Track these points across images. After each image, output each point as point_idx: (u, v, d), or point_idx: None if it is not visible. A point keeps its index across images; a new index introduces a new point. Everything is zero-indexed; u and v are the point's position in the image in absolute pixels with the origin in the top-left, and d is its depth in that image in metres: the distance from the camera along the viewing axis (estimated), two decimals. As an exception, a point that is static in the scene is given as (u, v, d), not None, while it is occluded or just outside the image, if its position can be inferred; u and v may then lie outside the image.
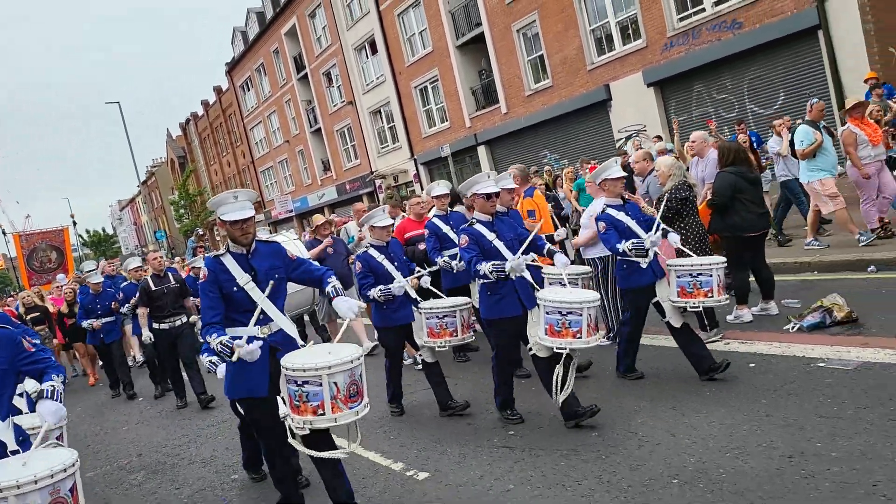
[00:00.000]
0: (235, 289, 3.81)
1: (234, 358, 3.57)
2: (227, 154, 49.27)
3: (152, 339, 8.26)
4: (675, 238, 5.49)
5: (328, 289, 3.93)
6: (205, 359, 5.12)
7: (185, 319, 8.22)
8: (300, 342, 3.79)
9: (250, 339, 3.65)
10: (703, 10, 16.16)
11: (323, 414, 3.44)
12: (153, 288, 8.20)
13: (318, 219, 9.43)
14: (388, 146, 30.30)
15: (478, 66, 24.37)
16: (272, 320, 3.84)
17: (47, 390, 3.30)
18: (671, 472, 3.78)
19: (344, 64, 31.26)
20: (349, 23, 30.08)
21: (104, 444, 7.24)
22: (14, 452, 3.23)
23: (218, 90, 48.21)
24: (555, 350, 4.67)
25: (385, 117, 30.04)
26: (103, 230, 69.59)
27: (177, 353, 8.13)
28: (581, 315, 4.57)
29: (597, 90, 19.21)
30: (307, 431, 3.55)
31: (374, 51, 29.09)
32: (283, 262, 4.02)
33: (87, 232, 65.34)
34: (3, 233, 21.94)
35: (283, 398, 3.64)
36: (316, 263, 4.37)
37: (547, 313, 4.67)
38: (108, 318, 9.76)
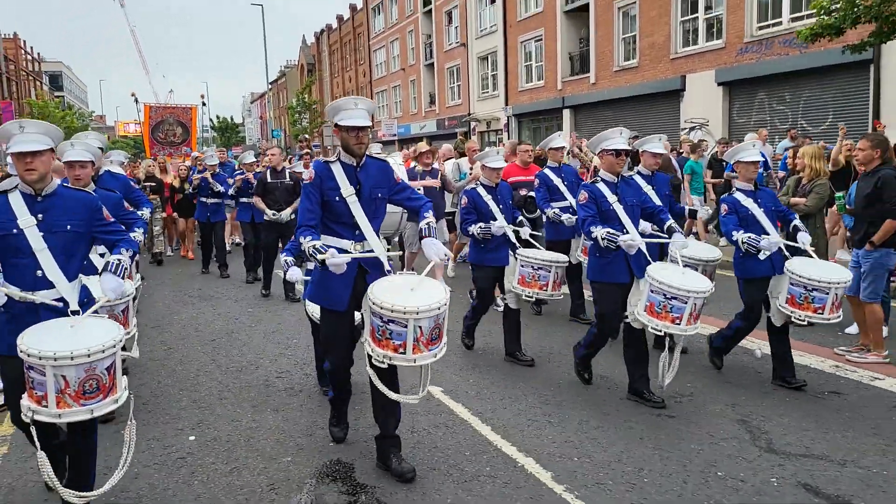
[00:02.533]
0: (337, 198, 3.74)
1: (321, 263, 3.56)
2: (350, 70, 52.35)
3: (275, 215, 8.58)
4: (805, 238, 5.05)
5: (423, 224, 3.78)
6: (282, 257, 5.01)
7: (294, 214, 8.24)
8: (388, 267, 3.71)
9: (341, 252, 3.64)
10: (780, 22, 17.06)
11: (403, 353, 3.41)
12: (269, 180, 8.77)
13: (423, 146, 9.47)
14: (487, 92, 32.19)
15: (579, 34, 25.70)
16: (366, 239, 3.77)
17: (112, 263, 3.33)
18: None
19: (465, 6, 33.04)
20: (477, -32, 31.69)
21: (172, 318, 7.72)
22: (74, 313, 3.23)
23: (353, 7, 50.99)
24: (649, 329, 4.55)
25: (490, 65, 31.84)
26: (231, 118, 75.11)
27: (275, 244, 8.68)
28: (686, 303, 4.41)
29: (674, 79, 20.42)
30: (385, 365, 3.51)
31: (493, 0, 30.71)
32: (388, 182, 3.93)
33: (217, 117, 70.98)
34: (136, 101, 22.03)
35: (363, 323, 3.66)
36: (419, 192, 4.24)
37: (651, 291, 4.50)
38: (216, 200, 10.51)
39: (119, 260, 3.34)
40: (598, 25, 23.85)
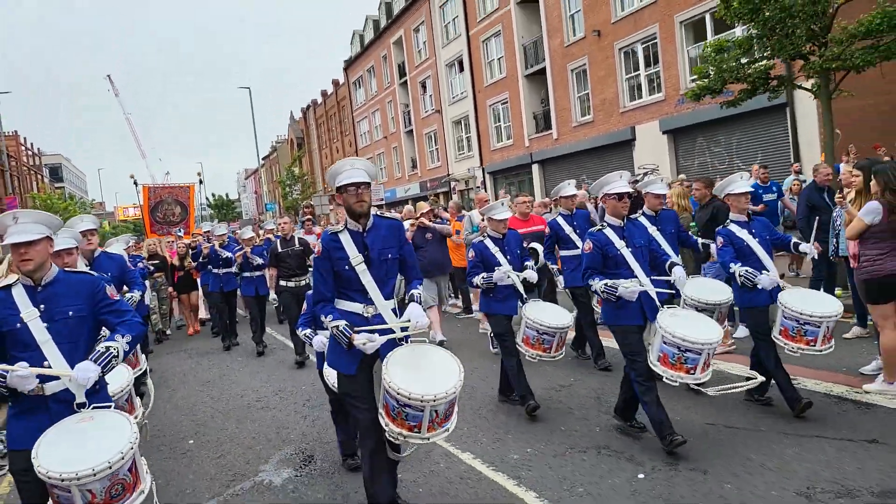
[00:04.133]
0: (347, 267, 3.75)
1: (347, 346, 3.62)
2: (336, 141, 54.83)
3: (276, 301, 8.93)
4: (807, 248, 5.19)
5: (414, 291, 3.89)
6: (300, 332, 5.08)
7: (308, 280, 8.45)
8: (398, 333, 3.71)
9: (374, 319, 3.75)
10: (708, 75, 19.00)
11: (419, 432, 3.45)
12: (280, 250, 8.92)
13: (423, 206, 9.60)
14: (463, 153, 34.24)
15: (540, 95, 27.83)
16: (374, 304, 3.77)
17: (98, 351, 3.26)
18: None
19: (437, 76, 35.44)
20: (444, 41, 34.16)
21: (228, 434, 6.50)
22: (80, 405, 3.21)
23: (335, 83, 53.80)
24: (665, 380, 4.50)
25: (464, 128, 33.99)
26: (226, 195, 77.59)
27: (298, 310, 7.97)
28: (700, 355, 4.39)
29: (625, 130, 22.34)
30: (399, 441, 3.58)
31: (462, 69, 33.06)
32: (399, 241, 3.92)
33: (213, 195, 73.34)
34: (136, 183, 21.89)
35: (379, 388, 3.66)
36: (418, 266, 4.19)
37: (664, 343, 4.47)
38: (228, 271, 10.50)
39: (107, 348, 3.26)
40: (555, 86, 25.96)
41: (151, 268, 11.38)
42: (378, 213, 4.01)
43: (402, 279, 4.07)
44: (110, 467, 2.92)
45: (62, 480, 2.87)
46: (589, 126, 24.39)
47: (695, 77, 12.05)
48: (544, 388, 6.25)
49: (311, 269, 8.70)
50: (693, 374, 4.42)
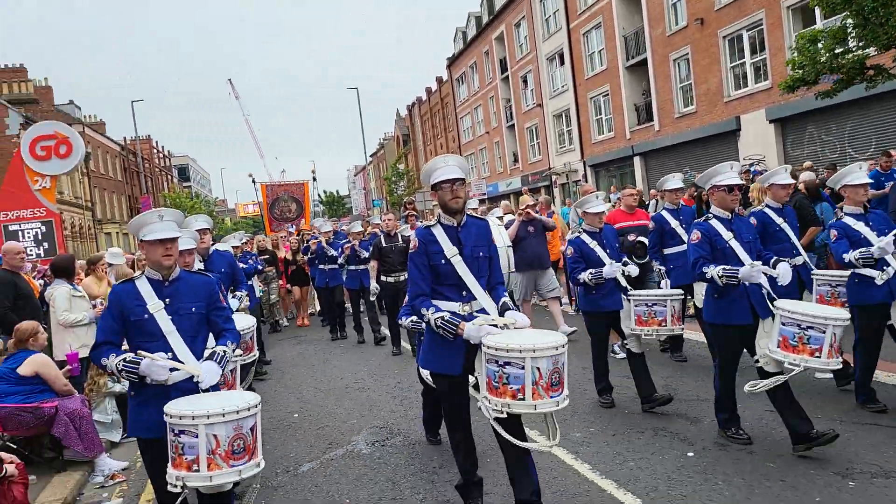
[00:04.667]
0: (443, 261, 3.73)
1: (452, 336, 3.59)
2: (440, 137, 55.93)
3: (378, 291, 9.21)
4: None
5: (504, 299, 3.85)
6: (405, 321, 5.28)
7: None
8: (501, 321, 3.64)
9: (470, 317, 3.67)
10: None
11: (523, 399, 3.34)
12: (384, 244, 9.14)
13: (527, 199, 9.60)
14: (564, 147, 34.20)
15: (641, 87, 27.42)
16: (475, 298, 3.75)
17: (218, 354, 3.46)
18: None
19: (538, 70, 35.55)
20: (545, 35, 34.22)
21: (327, 410, 6.82)
22: (205, 391, 3.39)
23: (439, 80, 54.89)
24: (786, 366, 4.23)
25: (565, 121, 33.95)
26: (337, 192, 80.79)
27: (399, 304, 8.11)
28: (824, 332, 4.09)
29: (729, 120, 21.72)
30: (504, 415, 3.44)
31: (562, 62, 33.02)
32: (488, 241, 3.92)
33: (325, 192, 76.59)
34: (254, 181, 23.29)
35: (478, 378, 3.61)
36: (501, 268, 4.22)
37: (783, 324, 4.21)
38: (332, 266, 10.90)
39: (224, 351, 3.51)
40: (657, 77, 25.53)
41: (262, 264, 11.66)
42: (469, 212, 3.99)
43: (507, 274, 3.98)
44: (237, 412, 3.07)
45: (193, 419, 3.02)
46: (692, 117, 23.85)
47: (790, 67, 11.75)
48: (617, 376, 6.18)
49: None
50: (819, 356, 4.08)
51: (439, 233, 3.80)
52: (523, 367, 3.32)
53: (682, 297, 5.71)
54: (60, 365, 5.90)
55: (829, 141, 18.55)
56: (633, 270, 5.87)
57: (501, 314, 3.72)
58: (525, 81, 37.86)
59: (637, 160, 27.71)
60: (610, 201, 13.60)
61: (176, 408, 3.12)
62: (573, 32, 31.17)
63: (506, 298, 3.87)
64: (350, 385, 7.75)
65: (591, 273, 5.56)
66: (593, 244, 5.71)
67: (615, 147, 29.04)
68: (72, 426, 5.39)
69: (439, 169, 3.79)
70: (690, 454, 4.53)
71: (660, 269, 6.78)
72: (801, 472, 4.08)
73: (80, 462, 5.55)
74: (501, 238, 8.32)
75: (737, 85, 21.67)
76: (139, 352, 3.34)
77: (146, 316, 3.40)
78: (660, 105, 25.65)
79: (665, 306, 5.54)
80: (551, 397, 3.36)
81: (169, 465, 3.14)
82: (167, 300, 3.45)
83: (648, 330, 5.55)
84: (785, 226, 5.51)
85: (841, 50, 10.08)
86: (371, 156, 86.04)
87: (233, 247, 9.26)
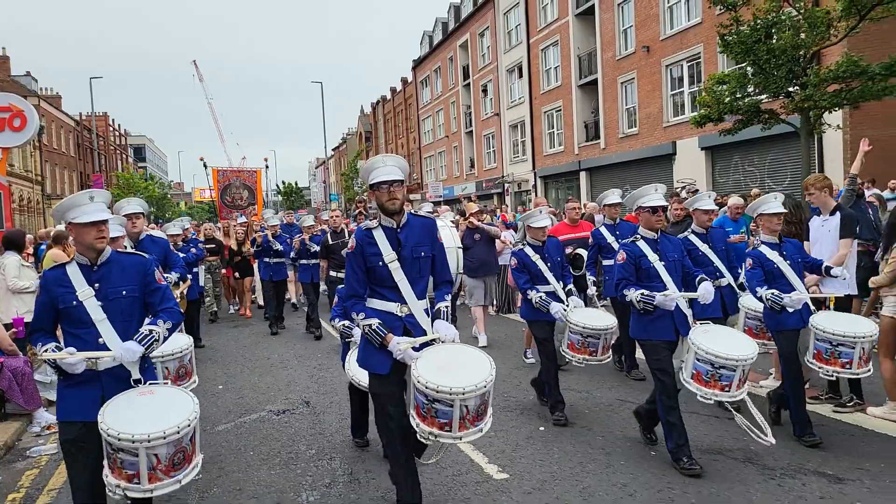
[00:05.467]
0: (380, 263, 3.72)
1: (379, 346, 3.63)
2: (402, 137, 56.69)
3: (326, 290, 9.34)
4: (838, 272, 5.12)
5: (441, 305, 3.83)
6: (337, 323, 5.32)
7: None
8: (430, 332, 3.69)
9: (407, 318, 3.72)
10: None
11: (449, 431, 3.39)
12: (330, 242, 9.16)
13: (472, 206, 9.65)
14: (518, 157, 35.36)
15: (591, 105, 28.71)
16: (407, 304, 3.75)
17: (142, 333, 3.34)
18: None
19: (497, 80, 36.66)
20: (506, 47, 35.34)
21: (250, 384, 7.41)
22: (136, 381, 3.31)
23: (404, 81, 55.63)
24: (698, 398, 4.46)
25: (520, 132, 35.12)
26: (296, 183, 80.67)
27: None
28: (734, 371, 4.32)
29: (667, 144, 23.08)
30: (430, 442, 3.52)
31: (521, 75, 34.17)
32: (431, 241, 3.89)
33: (283, 183, 76.47)
34: (205, 166, 22.33)
35: (408, 390, 3.64)
36: (449, 266, 4.13)
37: (698, 360, 4.42)
38: (279, 260, 10.82)
39: (151, 330, 3.36)
40: (605, 98, 26.83)
41: (206, 251, 11.77)
42: (412, 211, 3.99)
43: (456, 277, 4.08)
44: (178, 432, 3.04)
45: (133, 442, 2.95)
46: (634, 138, 25.19)
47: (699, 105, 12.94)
48: (572, 390, 6.28)
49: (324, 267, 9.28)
50: (728, 391, 4.34)
51: (379, 235, 3.77)
52: (452, 406, 3.37)
53: (615, 329, 5.73)
54: (7, 327, 6.56)
55: (751, 171, 20.01)
56: (577, 303, 5.84)
57: (433, 321, 3.75)
58: (485, 90, 38.94)
59: (583, 175, 28.98)
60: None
61: (113, 426, 3.02)
62: (532, 47, 32.36)
63: (444, 304, 3.84)
64: (275, 363, 8.54)
65: (541, 297, 5.61)
66: (536, 258, 5.80)
67: (564, 161, 30.30)
68: (14, 382, 6.08)
69: (377, 169, 3.76)
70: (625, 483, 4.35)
71: (594, 280, 7.00)
72: (620, 444, 5.03)
73: (21, 414, 6.24)
74: (452, 238, 8.49)
75: (675, 112, 23.05)
76: (50, 352, 3.27)
77: (75, 303, 3.30)
78: (606, 124, 26.96)
79: (599, 339, 5.59)
80: (475, 426, 3.46)
81: (106, 469, 3.10)
82: (96, 285, 3.35)
83: (579, 357, 5.63)
84: (708, 250, 5.69)
85: (740, 94, 11.26)
86: (333, 150, 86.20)
87: (172, 234, 8.99)
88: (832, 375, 4.95)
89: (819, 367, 4.87)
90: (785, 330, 4.98)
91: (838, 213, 5.87)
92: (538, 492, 4.26)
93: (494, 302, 9.47)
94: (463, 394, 3.35)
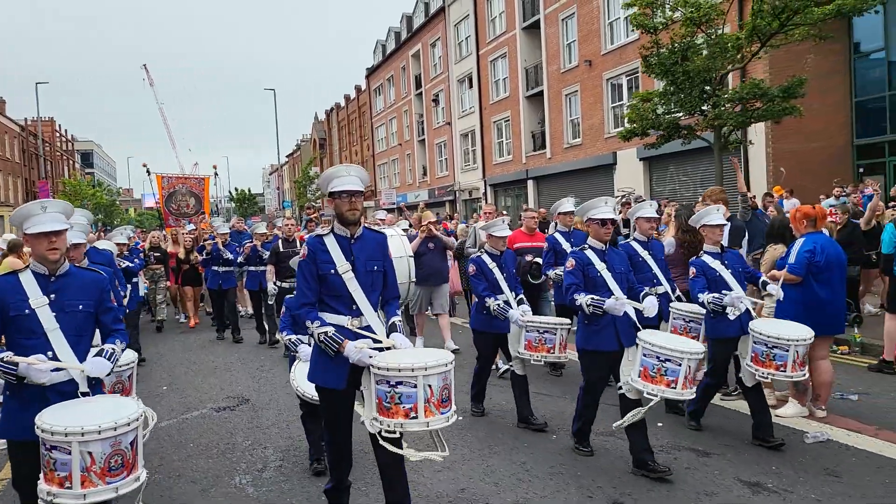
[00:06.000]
0: (333, 271, 3.68)
1: (334, 353, 3.54)
2: (356, 145, 56.99)
3: (276, 292, 9.08)
4: (774, 289, 5.28)
5: (394, 319, 3.81)
6: (284, 336, 5.17)
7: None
8: (385, 342, 3.64)
9: (359, 333, 3.64)
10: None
11: (416, 417, 3.36)
12: (281, 249, 9.12)
13: (429, 215, 9.72)
14: (469, 165, 36.09)
15: (537, 116, 29.60)
16: (363, 314, 3.70)
17: (107, 351, 3.35)
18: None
19: (449, 90, 37.37)
20: (457, 58, 36.07)
21: (193, 385, 7.80)
22: (84, 394, 3.27)
23: (358, 89, 55.98)
24: (644, 395, 4.48)
25: (470, 141, 35.87)
26: (249, 189, 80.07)
27: None
28: (680, 365, 4.40)
29: (608, 155, 24.03)
30: (398, 435, 3.45)
31: (471, 85, 34.94)
32: (383, 256, 3.88)
33: (236, 189, 75.82)
34: (148, 172, 21.21)
35: (366, 399, 3.58)
36: (397, 282, 4.08)
37: (644, 356, 4.50)
38: (228, 268, 10.74)
39: (113, 349, 3.38)
40: (551, 109, 27.73)
41: (152, 259, 11.78)
42: (366, 224, 3.94)
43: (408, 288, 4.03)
44: (115, 429, 2.91)
45: (65, 436, 2.84)
46: (578, 148, 26.12)
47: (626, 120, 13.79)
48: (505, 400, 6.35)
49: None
50: (674, 387, 4.40)
51: (331, 243, 3.73)
52: (415, 386, 3.34)
53: (570, 326, 5.84)
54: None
55: (685, 181, 21.05)
56: (520, 315, 5.77)
57: (388, 334, 3.72)
58: (436, 100, 39.61)
59: (531, 183, 29.83)
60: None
61: (48, 421, 2.94)
62: (482, 59, 33.15)
63: (396, 318, 3.83)
64: (219, 366, 8.91)
65: (499, 304, 5.68)
66: (493, 266, 5.84)
67: (512, 170, 31.13)
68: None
69: (340, 178, 3.72)
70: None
71: (556, 273, 6.81)
72: (517, 432, 5.61)
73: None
74: (403, 248, 8.22)
75: (616, 124, 23.99)
76: (13, 356, 3.18)
77: (27, 311, 3.25)
78: (552, 135, 27.85)
79: (555, 334, 5.68)
80: (442, 413, 3.42)
81: (41, 478, 2.99)
82: (52, 296, 3.31)
83: (537, 356, 5.68)
84: (648, 257, 5.87)
85: (662, 111, 12.09)
86: (287, 156, 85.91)
87: (118, 244, 8.85)
88: (767, 377, 5.10)
89: (756, 370, 5.02)
90: (724, 337, 5.19)
91: (729, 224, 6.58)
92: (448, 470, 4.79)
93: (444, 309, 9.32)
94: (426, 369, 3.33)
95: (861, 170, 15.60)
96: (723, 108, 10.30)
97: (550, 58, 27.45)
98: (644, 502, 4.23)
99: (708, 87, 10.51)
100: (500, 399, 6.56)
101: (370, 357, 3.47)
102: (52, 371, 3.19)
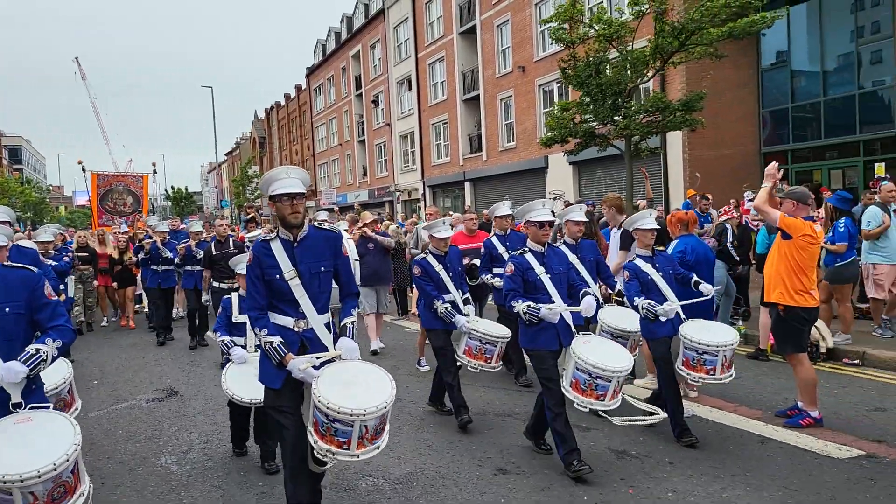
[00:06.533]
0: (278, 277, 3.67)
1: (279, 365, 3.61)
2: (296, 144, 56.77)
3: (209, 301, 9.08)
4: (706, 288, 5.51)
5: (346, 321, 3.83)
6: (217, 337, 5.27)
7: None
8: (331, 348, 3.70)
9: (304, 334, 3.70)
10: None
11: (347, 449, 3.40)
12: (214, 252, 9.11)
13: (368, 216, 9.75)
14: (408, 166, 36.61)
15: (474, 119, 30.37)
16: (306, 317, 3.72)
17: (27, 353, 3.11)
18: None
19: (388, 91, 37.80)
20: (396, 60, 36.55)
21: (124, 379, 8.04)
22: (16, 405, 3.10)
23: (298, 88, 55.82)
24: (575, 405, 4.66)
25: (409, 142, 36.40)
26: (186, 188, 78.52)
27: None
28: (610, 382, 4.57)
29: (539, 158, 24.93)
30: (327, 459, 3.50)
31: (410, 87, 35.47)
32: (334, 253, 3.84)
33: (172, 188, 74.34)
34: (84, 169, 20.75)
35: (307, 416, 3.58)
36: (353, 280, 4.05)
37: (577, 369, 4.65)
38: (167, 268, 10.64)
39: (37, 350, 3.13)
40: (486, 113, 28.52)
41: (78, 260, 11.34)
42: (316, 223, 3.90)
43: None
44: (55, 469, 2.86)
45: (4, 483, 2.80)
46: (512, 152, 26.98)
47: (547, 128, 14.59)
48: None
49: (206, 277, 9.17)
50: (603, 400, 4.61)
51: (277, 247, 3.70)
52: (351, 426, 3.38)
53: (509, 338, 5.88)
54: None
55: (611, 184, 22.07)
56: (469, 310, 6.04)
57: (338, 337, 3.76)
58: (376, 101, 39.98)
59: (468, 185, 30.57)
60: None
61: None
62: (420, 62, 33.73)
63: (349, 319, 3.86)
64: (149, 362, 9.19)
65: (447, 308, 5.82)
66: (439, 267, 5.96)
67: (450, 171, 31.81)
68: None
69: (280, 181, 3.67)
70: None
71: (490, 278, 7.11)
72: (424, 414, 6.18)
73: None
74: (350, 251, 8.06)
75: (547, 129, 24.94)
76: None
77: None
78: (488, 138, 28.66)
79: (496, 346, 5.83)
80: (373, 444, 3.48)
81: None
82: None
83: (475, 363, 5.80)
84: (576, 260, 6.01)
85: (579, 120, 12.92)
86: (227, 154, 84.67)
87: (42, 242, 8.73)
88: (698, 381, 5.37)
89: (687, 374, 5.29)
90: (658, 338, 5.37)
91: (623, 229, 7.29)
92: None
93: (386, 308, 9.53)
94: (364, 415, 3.36)
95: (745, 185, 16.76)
96: (631, 119, 11.14)
97: (486, 62, 28.23)
98: (525, 468, 4.85)
99: (619, 100, 11.34)
100: (416, 387, 7.10)
101: (313, 378, 3.50)
102: None
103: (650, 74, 11.56)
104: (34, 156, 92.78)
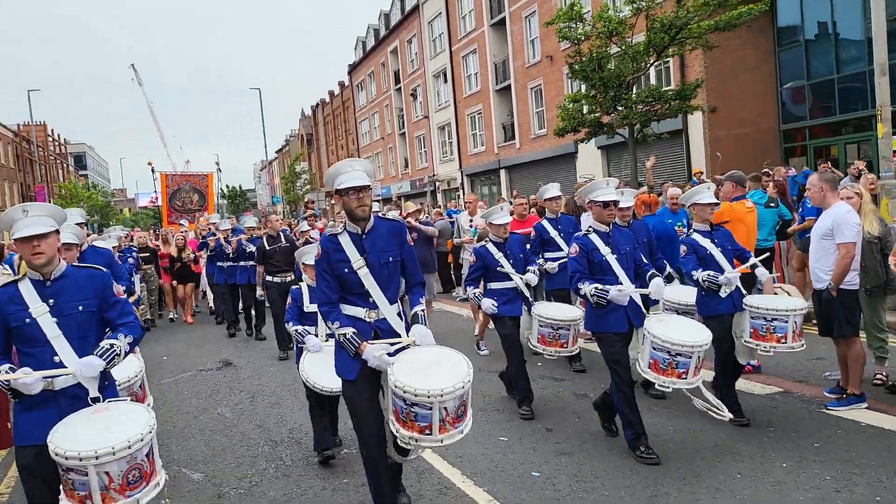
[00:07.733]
0: (347, 270, 3.70)
1: (354, 355, 3.61)
2: (342, 139, 58.57)
3: (264, 295, 9.40)
4: (762, 273, 5.29)
5: (417, 309, 3.81)
6: (290, 327, 5.18)
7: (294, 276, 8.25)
8: (404, 336, 3.70)
9: (376, 324, 3.72)
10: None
11: (430, 434, 3.37)
12: (267, 247, 9.16)
13: (410, 206, 9.79)
14: (447, 157, 37.83)
15: (507, 109, 31.34)
16: (378, 308, 3.73)
17: (103, 347, 3.25)
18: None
19: (425, 85, 39.04)
20: (432, 54, 37.72)
21: (188, 355, 9.25)
22: (94, 400, 3.21)
23: (341, 84, 57.54)
24: (657, 386, 4.53)
25: (447, 133, 37.59)
26: (240, 186, 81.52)
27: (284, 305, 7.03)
28: (690, 358, 4.41)
29: (569, 144, 25.70)
30: (411, 446, 3.51)
31: (446, 80, 36.61)
32: (400, 243, 3.85)
33: (227, 186, 77.24)
34: (153, 171, 23.07)
35: (385, 399, 3.61)
36: (418, 269, 4.00)
37: (654, 349, 4.48)
38: (231, 263, 10.74)
39: (112, 345, 3.27)
40: (518, 102, 29.46)
41: (141, 260, 11.78)
42: (380, 213, 3.93)
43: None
44: (129, 447, 2.91)
45: (80, 460, 2.85)
46: (543, 139, 27.88)
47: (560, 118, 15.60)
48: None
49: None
50: (685, 378, 4.43)
51: (345, 241, 3.74)
52: (430, 409, 3.35)
53: (580, 319, 5.65)
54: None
55: (639, 168, 22.80)
56: (532, 279, 5.94)
57: (411, 325, 3.76)
58: (414, 94, 41.26)
59: (503, 172, 31.61)
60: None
61: (60, 445, 2.93)
62: (454, 55, 34.82)
63: (419, 308, 3.84)
64: (209, 339, 10.74)
65: (493, 303, 5.75)
66: (499, 255, 5.86)
67: (486, 160, 32.90)
68: None
69: (345, 174, 3.68)
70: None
71: (540, 265, 6.75)
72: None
73: None
74: None
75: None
76: (3, 373, 3.13)
77: (28, 321, 3.20)
78: (520, 126, 29.62)
79: (569, 330, 5.70)
80: (456, 427, 3.44)
81: (62, 494, 3.02)
82: (51, 301, 3.25)
83: (550, 350, 5.70)
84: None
85: (586, 110, 13.90)
86: (277, 152, 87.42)
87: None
88: (770, 351, 5.12)
89: (756, 345, 5.08)
90: (717, 315, 5.17)
91: None
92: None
93: (434, 296, 9.54)
94: (441, 395, 3.33)
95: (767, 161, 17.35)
96: (630, 109, 12.06)
97: (516, 53, 29.14)
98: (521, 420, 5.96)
99: (619, 91, 12.28)
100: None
101: (388, 364, 3.51)
102: (43, 379, 3.14)
103: (646, 67, 12.41)
104: (98, 161, 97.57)
